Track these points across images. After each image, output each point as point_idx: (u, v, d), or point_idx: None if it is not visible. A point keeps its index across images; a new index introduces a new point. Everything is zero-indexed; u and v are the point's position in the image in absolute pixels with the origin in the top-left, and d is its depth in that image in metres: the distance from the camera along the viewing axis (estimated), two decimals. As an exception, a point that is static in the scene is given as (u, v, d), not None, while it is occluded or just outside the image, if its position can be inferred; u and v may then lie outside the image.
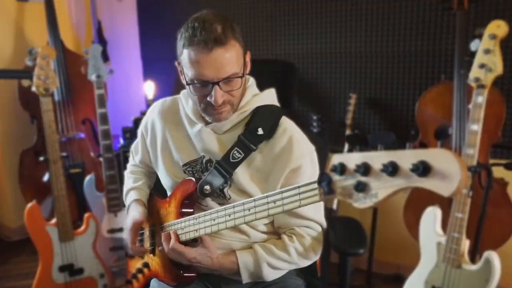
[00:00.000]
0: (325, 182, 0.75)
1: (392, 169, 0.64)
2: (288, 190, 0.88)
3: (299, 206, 0.87)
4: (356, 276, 2.36)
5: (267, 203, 0.91)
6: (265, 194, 0.93)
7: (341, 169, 0.72)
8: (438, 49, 2.09)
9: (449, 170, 0.59)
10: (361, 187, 0.69)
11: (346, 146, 2.21)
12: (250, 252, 1.10)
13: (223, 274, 1.13)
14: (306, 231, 1.12)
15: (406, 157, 0.64)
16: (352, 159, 0.71)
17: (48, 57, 1.95)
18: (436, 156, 0.60)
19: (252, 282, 1.16)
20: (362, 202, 0.70)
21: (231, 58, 0.98)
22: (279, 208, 0.89)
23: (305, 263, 1.14)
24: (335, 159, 0.73)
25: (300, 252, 1.11)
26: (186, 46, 0.99)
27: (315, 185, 0.81)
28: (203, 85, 1.01)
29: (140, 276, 1.30)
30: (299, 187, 0.86)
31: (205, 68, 0.98)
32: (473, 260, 1.66)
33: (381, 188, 0.67)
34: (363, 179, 0.69)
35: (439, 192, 0.60)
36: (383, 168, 0.66)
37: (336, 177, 0.73)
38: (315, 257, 1.14)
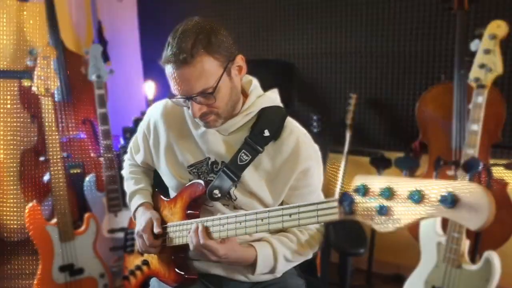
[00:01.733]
0: (347, 202, 0.75)
1: (418, 197, 0.66)
2: (305, 205, 0.87)
3: (317, 222, 0.87)
4: (356, 276, 2.36)
5: (282, 215, 0.91)
6: (280, 207, 0.93)
7: (364, 190, 0.72)
8: (438, 49, 2.09)
9: (477, 204, 0.60)
10: (384, 211, 0.70)
11: (346, 147, 2.21)
12: (268, 245, 1.09)
13: (239, 266, 1.12)
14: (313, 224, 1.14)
15: (434, 187, 0.65)
16: (376, 182, 0.72)
17: (48, 57, 1.95)
18: (466, 189, 0.61)
19: (253, 282, 1.17)
20: (383, 226, 0.71)
21: (200, 75, 0.97)
22: (294, 222, 0.89)
23: (311, 254, 1.16)
24: (358, 180, 0.74)
25: (310, 244, 1.13)
26: (162, 61, 1.01)
27: (335, 204, 0.81)
28: (182, 99, 1.03)
29: (138, 273, 1.29)
30: (317, 203, 0.85)
31: (176, 85, 1.00)
32: (473, 260, 1.66)
33: (405, 214, 0.68)
34: (386, 203, 0.70)
35: (466, 225, 0.61)
36: (409, 195, 0.67)
37: (358, 198, 0.74)
38: (317, 248, 1.17)
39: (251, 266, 1.08)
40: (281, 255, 1.08)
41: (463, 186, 0.62)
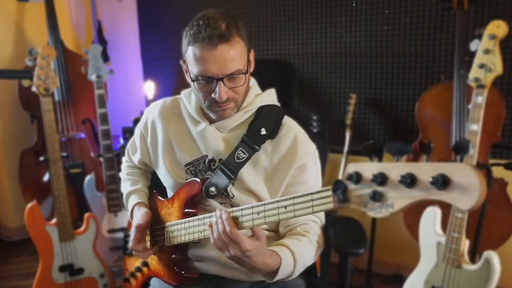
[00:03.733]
0: (340, 190, 0.75)
1: (410, 181, 0.65)
2: (300, 196, 0.87)
3: (312, 213, 0.86)
4: (356, 276, 2.36)
5: (278, 208, 0.91)
6: (275, 199, 0.92)
7: (357, 178, 0.72)
8: (438, 49, 2.09)
9: (468, 184, 0.60)
10: (377, 197, 0.69)
11: (346, 147, 2.21)
12: (287, 252, 1.03)
13: (255, 273, 1.02)
14: (315, 223, 1.14)
15: (425, 170, 0.64)
16: (368, 168, 0.71)
17: (48, 57, 1.96)
18: (456, 170, 0.61)
19: (253, 282, 1.17)
20: (377, 212, 0.70)
21: (235, 54, 0.99)
22: (290, 214, 0.89)
23: (319, 253, 1.14)
24: (351, 167, 0.74)
25: (319, 244, 1.12)
26: (191, 43, 1.00)
27: (329, 192, 0.81)
28: (208, 82, 1.02)
29: (139, 274, 1.30)
30: (311, 193, 0.85)
31: (209, 64, 0.99)
32: (472, 260, 1.67)
33: (398, 199, 0.68)
34: (379, 189, 0.70)
35: (458, 206, 0.61)
36: (400, 179, 0.66)
37: (351, 185, 0.74)
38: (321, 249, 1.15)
39: (271, 273, 1.01)
40: (300, 261, 1.04)
41: (453, 167, 0.62)
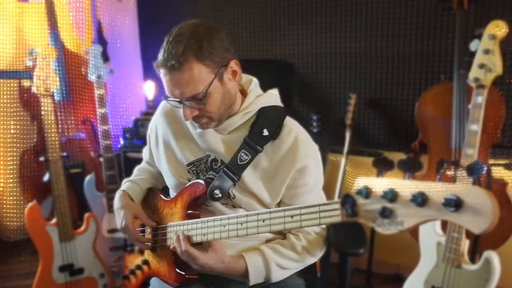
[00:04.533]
0: (349, 204, 0.75)
1: (421, 200, 0.65)
2: (307, 207, 0.87)
3: (319, 224, 0.87)
4: (356, 276, 2.36)
5: (284, 217, 0.91)
6: (282, 208, 0.93)
7: (367, 192, 0.72)
8: (438, 49, 2.09)
9: (481, 208, 0.60)
10: (387, 213, 0.69)
11: (346, 147, 2.21)
12: (258, 253, 1.09)
13: (231, 277, 1.12)
14: (311, 228, 1.13)
15: (437, 190, 0.64)
16: (378, 184, 0.71)
17: (48, 58, 1.96)
18: (469, 192, 0.61)
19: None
20: (386, 228, 0.70)
21: (188, 81, 0.98)
22: (296, 224, 0.89)
23: (311, 260, 1.15)
24: (361, 182, 0.74)
25: (307, 249, 1.12)
26: (156, 64, 1.02)
27: (337, 205, 0.80)
28: (175, 101, 1.04)
29: (139, 273, 1.29)
30: (319, 205, 0.85)
31: (169, 87, 1.01)
32: (472, 260, 1.67)
33: (408, 217, 0.68)
34: (389, 205, 0.69)
35: (470, 229, 0.61)
36: (412, 198, 0.66)
37: (360, 200, 0.74)
38: (320, 253, 1.16)
39: (245, 277, 1.07)
40: (273, 263, 1.07)
41: (466, 189, 0.62)
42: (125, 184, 1.30)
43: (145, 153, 1.38)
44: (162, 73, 1.01)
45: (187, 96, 1.00)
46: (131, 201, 1.25)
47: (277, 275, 1.10)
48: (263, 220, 0.94)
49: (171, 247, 1.10)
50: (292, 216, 0.89)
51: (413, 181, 0.68)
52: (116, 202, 1.26)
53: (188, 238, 1.06)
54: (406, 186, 0.68)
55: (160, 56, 1.00)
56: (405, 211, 0.68)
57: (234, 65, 1.05)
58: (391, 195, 0.68)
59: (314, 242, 1.13)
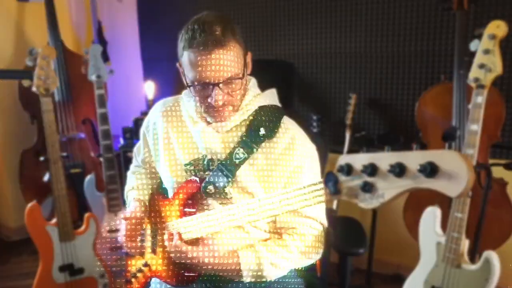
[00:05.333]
0: (331, 182, 0.75)
1: (399, 170, 0.65)
2: (293, 190, 0.88)
3: (306, 206, 0.87)
4: (356, 276, 2.36)
5: (272, 203, 0.92)
6: (270, 194, 0.93)
7: (348, 169, 0.72)
8: (438, 49, 2.09)
9: (456, 171, 0.60)
10: (367, 188, 0.69)
11: (346, 146, 2.21)
12: (252, 251, 1.09)
13: (226, 275, 1.13)
14: (307, 230, 1.13)
15: (413, 158, 0.65)
16: (358, 160, 0.71)
17: (48, 57, 1.95)
18: (444, 157, 0.61)
19: (252, 282, 1.17)
20: (368, 203, 0.71)
21: (231, 59, 0.99)
22: (284, 208, 0.90)
23: (306, 262, 1.14)
24: (342, 159, 0.74)
25: (301, 250, 1.11)
26: (186, 48, 1.00)
27: (321, 185, 0.82)
28: (204, 87, 1.02)
29: (140, 275, 1.29)
30: (304, 187, 0.86)
31: (205, 70, 0.98)
32: (472, 260, 1.67)
33: (388, 189, 0.68)
34: (370, 179, 0.70)
35: (446, 193, 0.61)
36: (390, 169, 0.67)
37: (342, 177, 0.74)
38: (316, 256, 1.15)
39: (238, 273, 1.08)
40: (265, 260, 1.08)
41: (440, 154, 0.62)
42: (132, 192, 1.29)
43: (137, 152, 1.34)
44: (196, 54, 0.98)
45: (228, 76, 0.99)
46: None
47: (272, 273, 1.10)
48: (253, 209, 0.96)
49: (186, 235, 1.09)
50: (280, 202, 0.91)
51: (392, 152, 0.68)
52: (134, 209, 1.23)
53: (179, 235, 1.06)
54: (384, 158, 0.68)
55: (196, 35, 0.97)
56: (385, 183, 0.68)
57: (249, 57, 1.08)
58: (371, 169, 0.69)
59: (310, 245, 1.13)
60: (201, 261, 1.05)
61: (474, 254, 1.72)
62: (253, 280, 1.10)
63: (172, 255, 1.08)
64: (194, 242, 1.08)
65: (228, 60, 0.98)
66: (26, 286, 2.19)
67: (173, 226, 1.13)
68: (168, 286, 1.19)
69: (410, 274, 1.75)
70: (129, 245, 1.17)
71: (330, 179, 0.75)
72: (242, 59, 1.03)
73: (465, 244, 1.60)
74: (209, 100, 1.03)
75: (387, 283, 2.36)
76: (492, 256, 1.51)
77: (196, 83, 1.01)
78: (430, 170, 0.61)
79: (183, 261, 1.07)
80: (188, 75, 1.02)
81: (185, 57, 1.01)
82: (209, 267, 1.07)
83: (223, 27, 0.98)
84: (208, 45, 0.96)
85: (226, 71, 0.99)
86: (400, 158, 0.66)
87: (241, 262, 1.07)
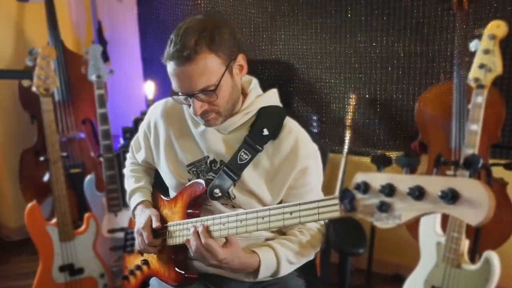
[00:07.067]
0: (347, 199, 0.75)
1: (418, 193, 0.66)
2: (306, 203, 0.87)
3: (318, 220, 0.87)
4: (356, 276, 2.36)
5: (283, 213, 0.91)
6: (281, 205, 0.93)
7: (365, 187, 0.72)
8: (438, 49, 2.09)
9: (478, 201, 0.60)
10: (384, 208, 0.70)
11: (346, 146, 2.21)
12: (270, 251, 1.08)
13: (239, 275, 1.11)
14: (313, 224, 1.15)
15: (434, 183, 0.65)
16: (376, 179, 0.72)
17: (48, 57, 1.95)
18: (466, 185, 0.62)
19: (253, 282, 1.17)
20: (384, 222, 0.71)
21: (202, 72, 0.98)
22: (295, 220, 0.89)
23: (312, 255, 1.16)
24: (359, 177, 0.74)
25: (312, 244, 1.13)
26: (165, 58, 1.01)
27: (336, 201, 0.81)
28: (184, 96, 1.03)
29: (138, 273, 1.30)
30: (318, 201, 0.85)
31: (179, 82, 1.00)
32: (472, 260, 1.67)
33: (406, 211, 0.68)
34: (387, 199, 0.70)
35: (467, 221, 0.62)
36: (409, 192, 0.67)
37: (359, 195, 0.74)
38: (319, 247, 1.17)
39: (253, 272, 1.06)
40: (283, 258, 1.08)
41: (463, 182, 0.62)
42: (139, 192, 1.29)
43: (136, 147, 1.33)
44: (171, 66, 0.99)
45: (200, 88, 0.99)
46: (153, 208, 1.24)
47: (285, 271, 1.10)
48: (262, 217, 0.94)
49: (185, 240, 1.06)
50: (291, 213, 0.90)
51: (411, 175, 0.69)
52: (141, 213, 1.23)
53: (209, 234, 1.01)
54: (403, 180, 0.68)
55: (171, 48, 0.98)
56: (402, 205, 0.68)
57: (241, 59, 1.06)
58: (389, 189, 0.69)
59: (317, 238, 1.15)
60: (227, 261, 1.00)
61: (474, 254, 1.72)
62: (265, 277, 1.09)
63: (196, 254, 1.03)
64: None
65: (198, 73, 0.97)
66: (26, 286, 2.19)
67: (175, 226, 1.13)
68: (168, 286, 1.18)
69: (410, 274, 1.75)
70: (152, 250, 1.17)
71: (346, 196, 0.76)
72: (220, 69, 1.00)
73: (465, 244, 1.60)
74: (190, 108, 1.04)
75: (387, 283, 2.36)
76: (492, 256, 1.51)
77: (178, 91, 1.03)
78: (452, 196, 0.62)
79: (208, 261, 1.01)
80: (171, 83, 1.04)
81: (167, 66, 1.02)
82: (231, 267, 1.03)
83: (198, 37, 0.96)
84: (179, 58, 0.97)
85: (196, 84, 0.99)
86: (420, 181, 0.66)
87: (261, 261, 1.05)
